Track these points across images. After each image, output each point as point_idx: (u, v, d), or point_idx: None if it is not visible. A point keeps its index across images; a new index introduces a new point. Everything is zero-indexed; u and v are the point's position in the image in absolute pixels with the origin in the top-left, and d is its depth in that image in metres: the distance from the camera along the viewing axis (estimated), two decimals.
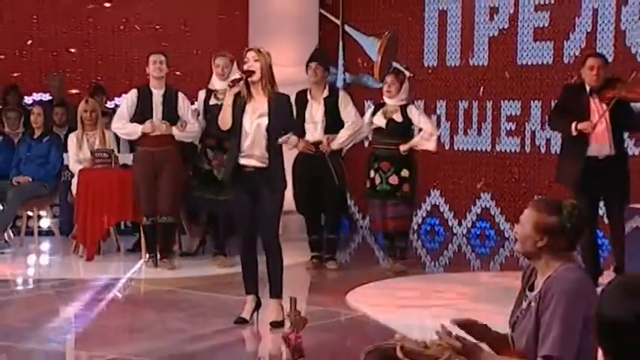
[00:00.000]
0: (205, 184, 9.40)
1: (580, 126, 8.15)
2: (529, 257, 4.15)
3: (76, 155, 10.00)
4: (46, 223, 10.77)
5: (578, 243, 4.18)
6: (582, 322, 3.94)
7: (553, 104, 10.66)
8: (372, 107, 9.46)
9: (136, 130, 9.33)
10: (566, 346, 3.91)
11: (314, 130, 9.27)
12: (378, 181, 9.21)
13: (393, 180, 9.15)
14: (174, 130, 9.34)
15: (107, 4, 12.34)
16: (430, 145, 9.28)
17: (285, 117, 7.08)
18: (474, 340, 4.13)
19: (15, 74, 11.92)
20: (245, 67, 6.92)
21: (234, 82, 6.93)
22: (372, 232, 9.78)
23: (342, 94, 9.55)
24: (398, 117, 9.19)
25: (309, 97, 9.34)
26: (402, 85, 9.26)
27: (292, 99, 7.55)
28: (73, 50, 11.41)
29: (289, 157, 8.95)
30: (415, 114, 9.29)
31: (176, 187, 9.53)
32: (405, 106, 9.24)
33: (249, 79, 6.89)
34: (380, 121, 9.21)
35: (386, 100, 9.25)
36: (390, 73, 9.56)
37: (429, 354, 4.08)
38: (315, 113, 9.30)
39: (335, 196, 9.45)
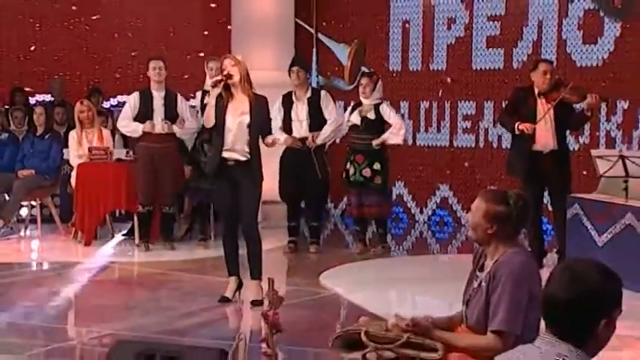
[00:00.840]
0: (201, 174, 9.38)
1: (521, 126, 8.24)
2: (480, 243, 4.17)
3: (76, 151, 9.98)
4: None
5: (522, 229, 4.22)
6: (527, 300, 3.98)
7: (504, 104, 10.80)
8: (351, 107, 9.48)
9: (137, 129, 9.40)
10: (513, 321, 3.95)
11: (300, 128, 9.30)
12: (352, 172, 9.28)
13: (366, 172, 9.22)
14: (175, 128, 9.41)
15: (100, 15, 12.29)
16: (398, 139, 9.37)
17: (264, 116, 7.09)
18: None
19: (20, 77, 11.83)
20: (225, 71, 6.93)
21: (216, 83, 6.96)
22: (351, 217, 9.80)
23: (323, 94, 9.55)
24: (372, 115, 9.25)
25: (294, 98, 9.36)
26: (375, 86, 9.32)
27: (271, 100, 7.54)
28: (72, 55, 11.29)
29: (277, 152, 9.11)
30: (387, 111, 9.36)
31: (176, 180, 9.59)
32: (378, 105, 9.30)
33: (229, 81, 6.90)
34: (356, 118, 9.28)
35: (362, 99, 9.30)
36: (364, 76, 9.58)
37: (390, 336, 4.12)
38: (299, 112, 9.32)
39: (318, 187, 9.45)
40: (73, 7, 12.26)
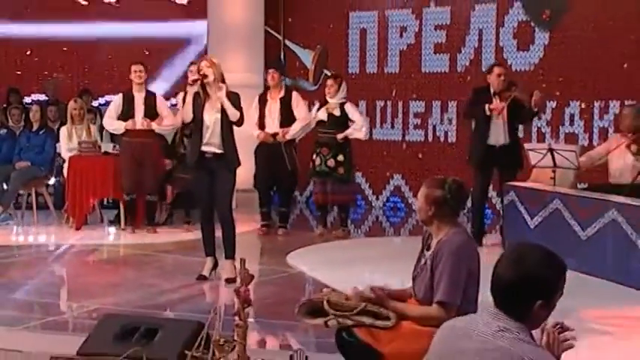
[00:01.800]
0: (183, 166, 9.38)
1: (492, 106, 8.45)
2: (424, 223, 4.22)
3: (67, 145, 9.97)
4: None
5: (460, 211, 4.24)
6: (466, 275, 4.04)
7: (454, 104, 10.94)
8: (318, 105, 9.51)
9: (120, 127, 9.40)
10: (453, 293, 3.99)
11: (272, 124, 9.30)
12: (318, 162, 9.30)
13: (331, 163, 9.25)
14: (154, 125, 9.40)
15: (90, 25, 12.22)
16: (360, 135, 9.42)
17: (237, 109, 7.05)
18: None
19: (17, 79, 11.74)
20: (200, 72, 6.90)
21: (193, 82, 6.98)
22: (316, 204, 9.84)
23: (295, 95, 9.55)
24: (337, 112, 9.28)
25: (268, 97, 9.38)
26: (340, 86, 9.35)
27: (242, 98, 7.55)
28: (64, 60, 11.22)
29: (251, 145, 9.20)
30: (351, 109, 9.40)
31: (158, 171, 9.61)
32: (343, 104, 9.33)
33: (204, 81, 6.88)
34: (323, 115, 9.31)
35: (328, 98, 9.33)
36: (330, 78, 9.62)
37: (349, 305, 4.15)
38: (272, 110, 9.32)
39: (287, 177, 9.48)
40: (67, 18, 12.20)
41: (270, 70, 9.49)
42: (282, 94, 9.41)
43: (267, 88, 9.63)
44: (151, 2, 12.27)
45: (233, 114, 6.92)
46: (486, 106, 8.46)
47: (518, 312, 2.63)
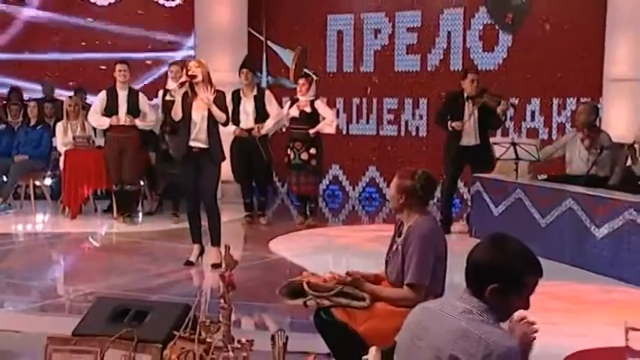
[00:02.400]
0: (164, 160, 9.38)
1: (453, 124, 8.57)
2: (396, 211, 4.25)
3: (62, 139, 9.94)
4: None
5: (428, 200, 4.26)
6: (434, 258, 4.07)
7: (425, 101, 10.98)
8: (290, 102, 9.51)
9: (104, 122, 9.38)
10: (422, 275, 4.03)
11: (247, 120, 9.30)
12: (292, 156, 9.29)
13: (304, 156, 9.24)
14: (137, 121, 9.40)
15: (84, 28, 12.16)
16: (330, 130, 9.42)
17: (222, 109, 7.05)
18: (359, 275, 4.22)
19: (17, 77, 11.67)
20: (189, 73, 6.89)
21: (182, 84, 6.94)
22: (291, 194, 9.89)
23: (267, 93, 9.56)
24: (308, 109, 9.26)
25: (242, 95, 9.37)
26: (310, 85, 9.35)
27: (228, 96, 7.58)
28: (59, 60, 11.13)
29: (227, 139, 9.03)
30: (321, 106, 9.41)
31: (137, 163, 9.60)
32: (313, 101, 9.33)
33: (193, 81, 6.88)
34: (295, 112, 9.29)
35: (299, 96, 9.32)
36: (302, 77, 9.62)
37: (327, 287, 4.19)
38: (247, 107, 9.31)
39: (263, 168, 9.52)
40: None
41: (244, 70, 9.46)
42: (255, 92, 9.40)
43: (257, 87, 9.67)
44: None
45: (220, 117, 6.96)
46: (449, 123, 8.61)
47: (478, 293, 2.65)
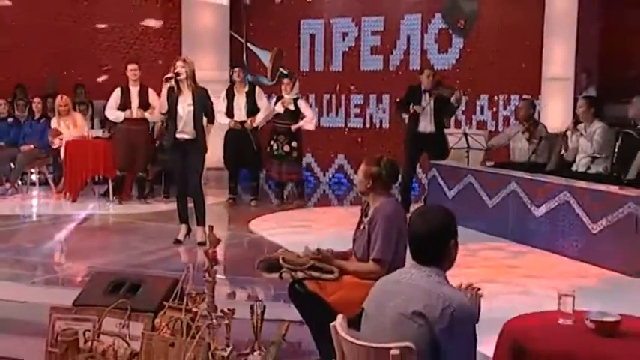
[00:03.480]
0: (161, 150, 9.39)
1: (415, 107, 8.60)
2: (363, 194, 4.23)
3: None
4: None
5: (393, 184, 4.26)
6: (397, 236, 4.05)
7: (387, 96, 11.00)
8: (275, 98, 9.51)
9: (120, 116, 9.32)
10: (386, 251, 4.01)
11: (239, 113, 9.29)
12: (275, 147, 9.33)
13: (286, 148, 9.31)
14: (147, 114, 9.34)
15: (85, 28, 12.02)
16: (310, 127, 9.50)
17: (205, 104, 7.00)
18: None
19: (23, 73, 11.51)
20: (175, 70, 6.84)
21: (168, 80, 6.89)
22: (274, 181, 9.92)
23: (258, 89, 9.53)
24: (291, 106, 9.31)
25: (235, 91, 9.36)
26: (294, 84, 9.39)
27: (211, 90, 7.50)
28: (61, 58, 10.99)
29: (220, 131, 9.15)
30: (303, 105, 9.46)
31: (148, 152, 9.57)
32: (296, 99, 9.37)
33: (177, 78, 6.82)
34: (279, 108, 9.33)
35: (284, 94, 9.37)
36: (286, 77, 9.65)
37: (300, 261, 4.16)
38: (239, 102, 9.31)
39: (254, 157, 9.48)
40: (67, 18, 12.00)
41: (236, 69, 9.55)
42: (246, 88, 9.37)
43: (232, 82, 9.60)
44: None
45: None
46: (412, 107, 8.61)
47: (437, 257, 2.73)
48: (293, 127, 9.28)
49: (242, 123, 9.25)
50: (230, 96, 9.33)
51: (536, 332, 2.98)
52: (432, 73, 8.78)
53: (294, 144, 9.33)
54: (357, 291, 3.62)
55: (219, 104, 9.17)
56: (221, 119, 9.19)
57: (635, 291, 5.62)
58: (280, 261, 4.19)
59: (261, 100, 9.38)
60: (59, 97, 10.04)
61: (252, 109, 9.29)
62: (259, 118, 9.32)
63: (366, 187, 4.14)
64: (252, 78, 11.61)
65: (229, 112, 9.29)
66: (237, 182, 9.68)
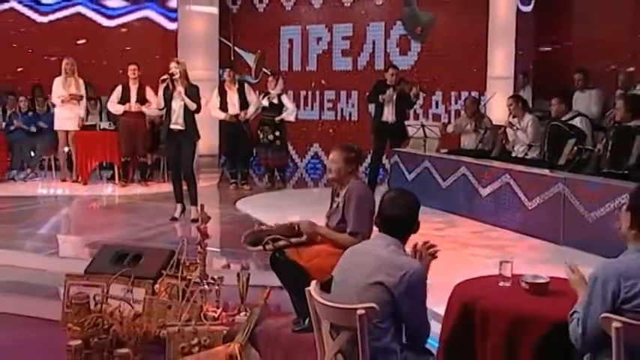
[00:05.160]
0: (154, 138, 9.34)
1: (384, 96, 8.56)
2: (338, 180, 4.13)
3: (58, 92, 9.61)
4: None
5: (359, 166, 4.25)
6: (368, 213, 3.97)
7: (356, 93, 10.99)
8: (263, 94, 9.47)
9: (120, 108, 9.27)
10: (359, 225, 3.97)
11: (233, 108, 9.22)
12: (261, 137, 9.34)
13: (271, 137, 9.31)
14: (144, 108, 9.28)
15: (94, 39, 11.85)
16: (291, 118, 9.49)
17: (196, 100, 6.94)
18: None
19: (40, 76, 11.31)
20: (170, 71, 6.85)
21: (163, 81, 6.87)
22: (262, 167, 9.92)
23: (247, 86, 9.48)
24: (276, 100, 9.31)
25: (227, 88, 9.30)
26: (277, 82, 9.40)
27: (202, 87, 7.45)
28: (73, 61, 10.74)
29: (213, 122, 9.18)
30: (285, 100, 9.46)
31: (145, 140, 9.50)
32: (280, 95, 9.37)
33: (172, 78, 6.81)
34: (266, 103, 9.32)
35: (270, 90, 9.36)
36: (271, 75, 9.65)
37: (282, 232, 4.17)
38: (232, 98, 9.23)
39: (247, 146, 9.42)
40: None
41: (228, 69, 9.51)
42: (237, 86, 9.33)
43: (223, 81, 9.52)
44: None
45: (190, 105, 6.88)
46: (379, 96, 8.59)
47: (402, 234, 2.79)
48: (277, 119, 9.27)
49: (236, 116, 9.22)
50: (222, 93, 9.27)
51: (481, 293, 3.01)
52: (396, 71, 8.79)
53: (277, 133, 9.33)
54: (330, 259, 3.61)
55: (214, 101, 9.17)
56: (216, 113, 9.21)
57: (562, 257, 5.67)
58: (262, 235, 4.17)
59: (250, 95, 9.33)
60: (66, 57, 9.80)
61: (244, 104, 9.25)
62: (250, 112, 9.27)
63: (346, 171, 4.07)
64: (238, 77, 11.54)
65: (223, 107, 9.24)
66: (237, 168, 9.60)
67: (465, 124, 8.58)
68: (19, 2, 12.12)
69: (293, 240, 4.11)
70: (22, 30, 12.06)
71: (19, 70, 11.87)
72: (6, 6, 12.13)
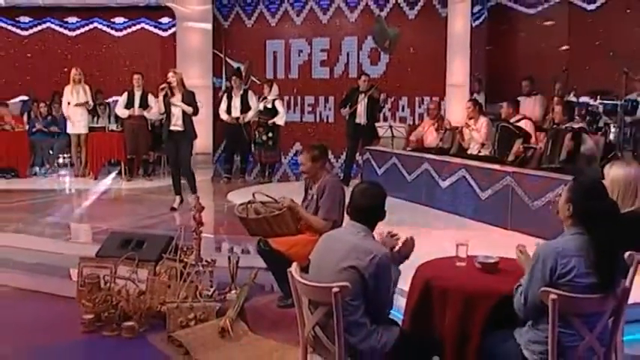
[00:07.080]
0: (155, 139, 9.32)
1: (344, 111, 8.70)
2: (310, 176, 4.24)
3: (68, 99, 9.66)
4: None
5: (326, 161, 4.26)
6: (339, 203, 4.09)
7: (332, 98, 10.95)
8: (262, 98, 9.46)
9: (124, 112, 9.28)
10: (333, 212, 4.07)
11: (235, 111, 9.25)
12: (257, 136, 9.38)
13: (264, 137, 9.35)
14: (145, 113, 9.26)
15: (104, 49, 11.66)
16: (281, 122, 9.51)
17: (192, 104, 6.92)
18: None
19: (57, 84, 11.11)
20: (167, 80, 6.85)
21: (162, 89, 6.86)
22: (257, 163, 9.91)
23: (250, 93, 9.50)
24: (270, 105, 9.34)
25: (232, 94, 9.33)
26: (271, 88, 9.45)
27: (198, 94, 7.41)
28: (86, 71, 10.51)
29: (211, 123, 9.14)
30: (278, 104, 9.48)
31: (147, 140, 9.47)
32: (274, 100, 9.39)
33: (170, 85, 6.81)
34: (261, 106, 9.35)
35: (266, 95, 9.40)
36: (265, 83, 9.66)
37: (269, 210, 4.29)
38: (236, 102, 9.30)
39: (245, 146, 9.46)
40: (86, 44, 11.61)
41: (233, 77, 9.60)
42: (241, 92, 9.38)
43: (231, 88, 9.58)
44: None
45: (187, 110, 6.85)
46: (347, 107, 8.70)
47: (370, 222, 2.76)
48: (270, 121, 9.31)
49: (237, 119, 9.22)
50: (229, 97, 9.35)
51: (440, 272, 3.04)
52: (368, 78, 8.83)
53: (270, 134, 9.35)
54: (308, 246, 3.62)
55: (222, 104, 9.32)
56: (222, 115, 9.34)
57: (509, 240, 5.75)
58: (249, 209, 4.24)
59: (252, 100, 9.37)
60: (74, 68, 9.76)
61: (245, 108, 9.31)
62: (250, 116, 9.32)
63: (316, 167, 4.12)
64: (229, 84, 11.50)
65: (229, 110, 9.31)
66: (232, 165, 9.59)
67: (428, 125, 8.62)
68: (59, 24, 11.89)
69: (276, 212, 4.17)
70: (55, 46, 11.76)
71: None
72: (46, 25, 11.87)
